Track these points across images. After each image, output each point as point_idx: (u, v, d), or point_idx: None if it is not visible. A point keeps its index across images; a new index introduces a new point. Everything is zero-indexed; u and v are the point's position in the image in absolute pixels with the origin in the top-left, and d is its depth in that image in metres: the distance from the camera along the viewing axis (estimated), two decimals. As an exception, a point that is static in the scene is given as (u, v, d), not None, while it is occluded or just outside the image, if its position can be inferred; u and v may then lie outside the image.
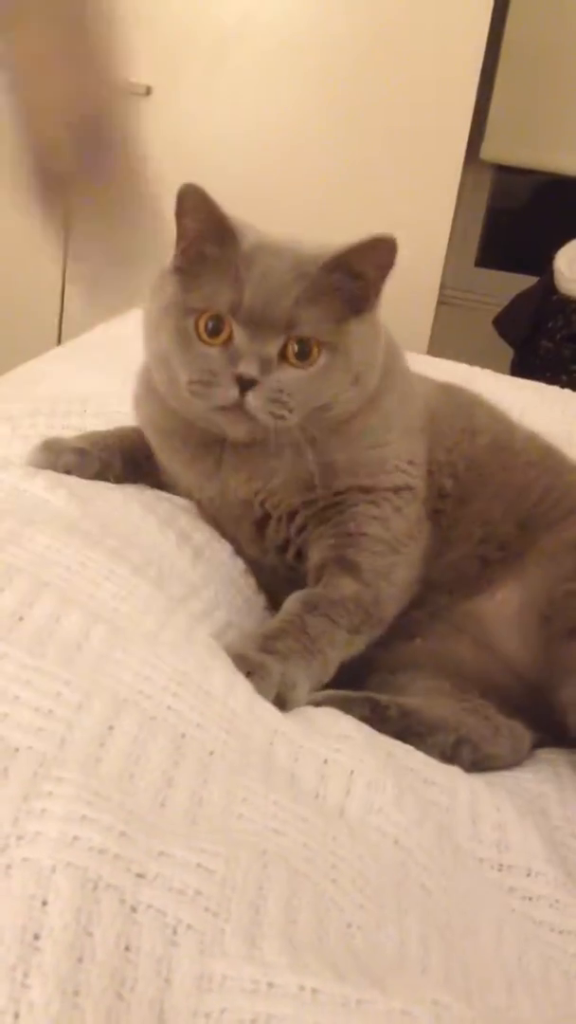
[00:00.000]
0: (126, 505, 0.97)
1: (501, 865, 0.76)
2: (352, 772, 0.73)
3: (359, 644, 0.94)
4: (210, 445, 0.97)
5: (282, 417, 0.88)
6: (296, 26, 2.43)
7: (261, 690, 0.79)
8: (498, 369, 1.82)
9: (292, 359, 0.88)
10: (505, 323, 2.71)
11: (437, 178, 2.47)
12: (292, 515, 0.98)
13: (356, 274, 0.90)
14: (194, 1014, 0.48)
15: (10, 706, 0.60)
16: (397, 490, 0.99)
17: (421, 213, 2.47)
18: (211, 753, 0.66)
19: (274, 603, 1.01)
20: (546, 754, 1.00)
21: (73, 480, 0.97)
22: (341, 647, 0.91)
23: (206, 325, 0.88)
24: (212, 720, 0.69)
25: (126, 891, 0.51)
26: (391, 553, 0.97)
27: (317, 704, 0.86)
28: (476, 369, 1.71)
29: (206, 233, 0.90)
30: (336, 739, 0.77)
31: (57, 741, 0.59)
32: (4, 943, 0.46)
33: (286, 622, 0.89)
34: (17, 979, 0.46)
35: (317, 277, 0.88)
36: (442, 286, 2.59)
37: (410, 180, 2.47)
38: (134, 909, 0.51)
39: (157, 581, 0.86)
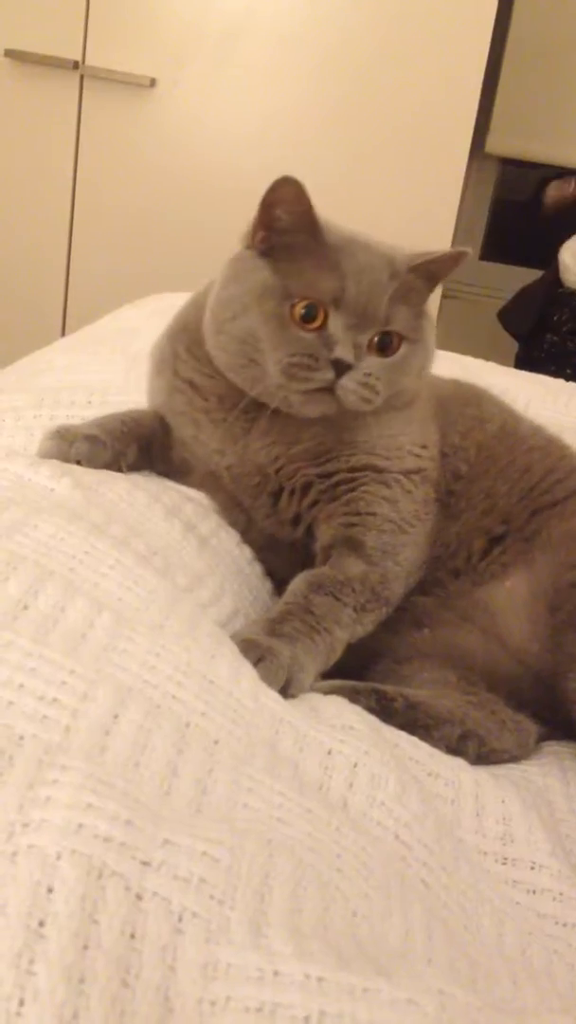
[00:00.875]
0: (132, 494, 0.96)
1: (505, 859, 0.76)
2: (356, 764, 0.73)
3: (366, 624, 0.94)
4: (246, 410, 0.99)
5: (369, 400, 0.93)
6: (301, 19, 2.42)
7: (271, 673, 0.80)
8: (502, 362, 1.82)
9: (376, 349, 0.93)
10: (510, 316, 2.71)
11: (442, 171, 2.47)
12: (305, 488, 1.00)
13: (431, 278, 0.98)
14: (199, 1002, 0.48)
15: (15, 694, 0.60)
16: (408, 473, 1.01)
17: (426, 206, 2.46)
18: (216, 742, 0.66)
19: (282, 588, 1.01)
20: (552, 747, 0.99)
21: (78, 469, 0.97)
22: (347, 626, 0.91)
23: (303, 311, 0.92)
24: (217, 709, 0.69)
25: (131, 879, 0.51)
26: (399, 533, 0.99)
27: (325, 693, 0.86)
28: (480, 362, 1.70)
29: (298, 224, 0.94)
30: (341, 730, 0.77)
31: (62, 729, 0.59)
32: (10, 930, 0.46)
33: (291, 604, 0.90)
34: (22, 966, 0.45)
35: (402, 276, 0.94)
36: (446, 279, 2.58)
37: (415, 173, 2.47)
38: (139, 897, 0.51)
39: (162, 570, 0.86)
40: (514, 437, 1.11)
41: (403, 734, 0.85)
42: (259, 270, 0.95)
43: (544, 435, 1.15)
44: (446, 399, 1.11)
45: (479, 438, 1.09)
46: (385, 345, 0.94)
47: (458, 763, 0.85)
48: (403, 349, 0.95)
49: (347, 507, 0.99)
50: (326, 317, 0.92)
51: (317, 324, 0.92)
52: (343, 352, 0.91)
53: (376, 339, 0.93)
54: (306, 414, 0.95)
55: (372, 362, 0.93)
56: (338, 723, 0.78)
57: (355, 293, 0.92)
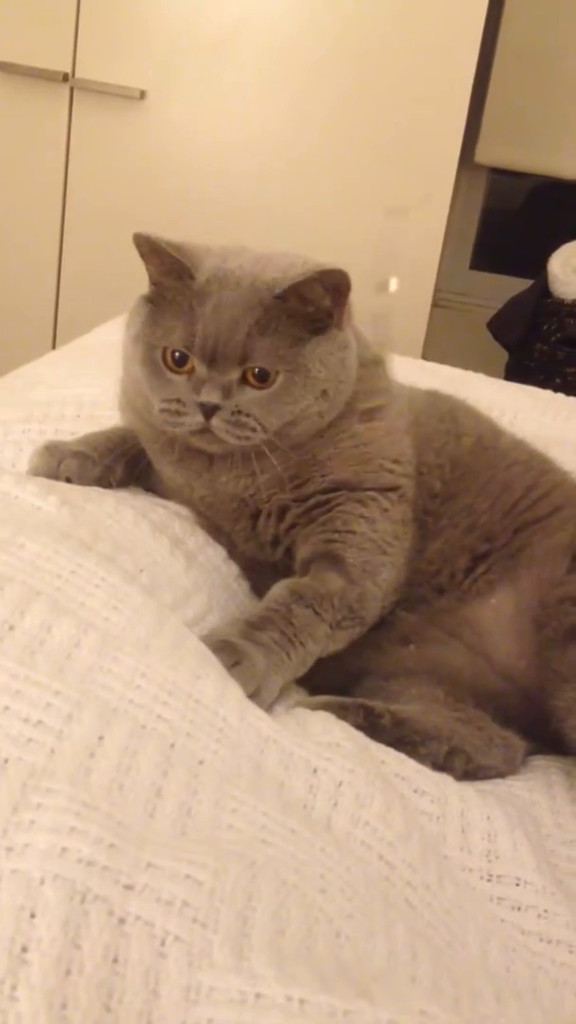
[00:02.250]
0: (119, 511, 0.97)
1: (490, 875, 0.77)
2: (341, 783, 0.73)
3: (339, 641, 0.95)
4: (198, 449, 0.98)
5: (247, 438, 0.92)
6: (290, 31, 2.43)
7: (244, 681, 0.80)
8: (492, 372, 1.82)
9: (252, 381, 0.92)
10: (499, 326, 2.71)
11: (432, 181, 2.47)
12: (282, 512, 1.00)
13: (309, 302, 0.93)
14: (181, 1026, 0.49)
15: (0, 717, 0.60)
16: (383, 490, 1.01)
17: (416, 216, 2.47)
18: (201, 763, 0.66)
19: None
20: (538, 761, 1.00)
21: (65, 486, 0.97)
22: (321, 641, 0.92)
23: (173, 356, 0.93)
24: (202, 729, 0.69)
25: (114, 903, 0.51)
26: (378, 553, 0.98)
27: (313, 709, 0.86)
28: (469, 373, 1.71)
29: (165, 271, 0.94)
30: (327, 747, 0.77)
31: (47, 752, 0.59)
32: (-8, 956, 0.47)
33: (272, 611, 0.90)
34: (5, 992, 0.46)
35: (270, 306, 0.92)
36: (436, 289, 2.59)
37: (405, 183, 2.47)
38: (122, 921, 0.51)
39: (149, 588, 0.86)
40: (492, 452, 1.10)
41: (390, 751, 0.85)
42: (141, 318, 0.97)
43: (525, 449, 1.14)
44: (420, 414, 1.10)
45: (454, 453, 1.08)
46: (264, 376, 0.92)
47: (444, 780, 0.85)
48: (281, 379, 0.92)
49: (325, 526, 0.99)
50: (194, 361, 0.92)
51: (188, 367, 0.92)
52: (207, 394, 0.91)
53: (255, 371, 0.92)
54: (211, 451, 0.96)
55: (246, 397, 0.92)
56: (324, 740, 0.79)
57: (208, 336, 0.91)
